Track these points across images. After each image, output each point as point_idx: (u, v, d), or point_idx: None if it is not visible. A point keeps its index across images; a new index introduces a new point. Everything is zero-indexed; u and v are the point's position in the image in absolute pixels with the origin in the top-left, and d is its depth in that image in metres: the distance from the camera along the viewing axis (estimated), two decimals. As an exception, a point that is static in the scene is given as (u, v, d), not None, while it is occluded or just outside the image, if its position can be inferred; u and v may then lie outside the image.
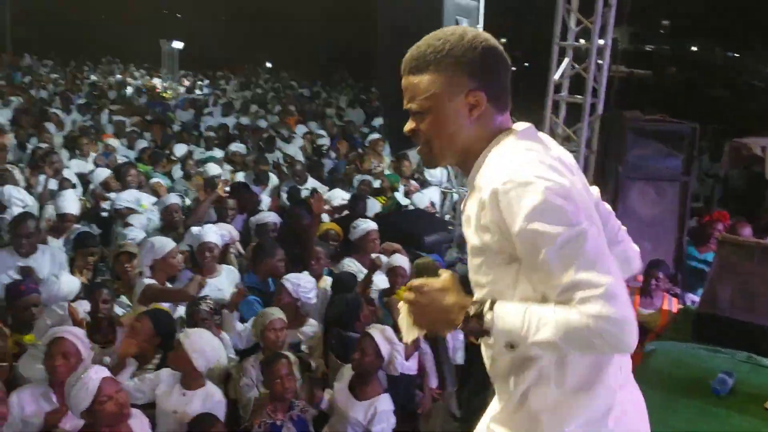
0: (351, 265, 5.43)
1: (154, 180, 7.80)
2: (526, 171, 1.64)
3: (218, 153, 10.13)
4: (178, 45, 21.12)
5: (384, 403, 3.98)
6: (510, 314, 1.64)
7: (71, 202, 6.20)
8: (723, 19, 41.10)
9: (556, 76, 6.15)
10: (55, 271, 4.97)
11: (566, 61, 6.13)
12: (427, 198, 8.09)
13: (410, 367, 4.74)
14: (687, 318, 4.17)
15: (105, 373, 3.28)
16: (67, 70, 21.99)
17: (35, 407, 3.49)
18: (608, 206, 2.04)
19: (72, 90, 17.47)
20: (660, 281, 5.36)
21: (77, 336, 3.64)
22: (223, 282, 5.23)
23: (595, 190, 2.00)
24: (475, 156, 1.79)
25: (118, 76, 21.75)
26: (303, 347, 4.60)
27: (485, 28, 6.38)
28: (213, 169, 8.41)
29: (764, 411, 4.01)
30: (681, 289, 5.95)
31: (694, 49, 53.63)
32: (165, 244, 4.99)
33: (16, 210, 6.24)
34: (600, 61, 5.98)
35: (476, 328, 1.68)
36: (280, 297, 4.61)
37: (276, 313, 4.24)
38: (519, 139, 1.77)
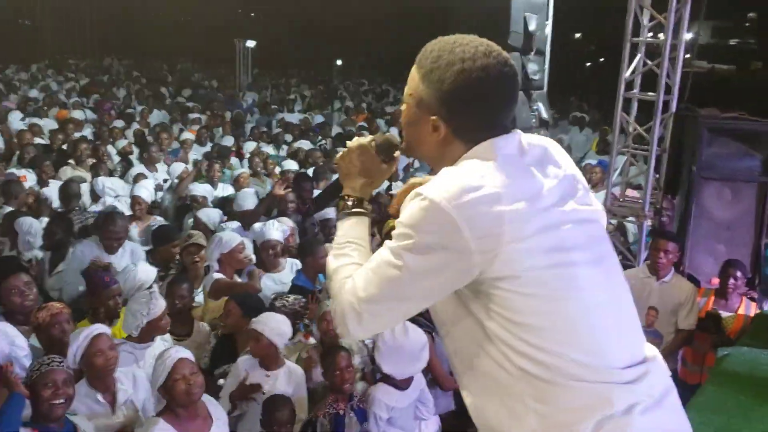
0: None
1: (239, 172, 8.03)
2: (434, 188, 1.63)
3: (284, 150, 10.33)
4: (251, 44, 21.52)
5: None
6: (345, 227, 1.84)
7: (144, 189, 6.47)
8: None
9: (627, 73, 5.99)
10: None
11: (638, 57, 5.97)
12: None
13: None
14: (763, 324, 4.01)
15: (184, 354, 3.42)
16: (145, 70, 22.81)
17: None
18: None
19: (149, 89, 18.09)
20: (738, 282, 5.17)
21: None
22: (287, 276, 5.36)
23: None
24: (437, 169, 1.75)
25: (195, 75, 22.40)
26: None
27: (555, 23, 6.30)
28: (289, 164, 8.62)
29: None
30: (759, 294, 5.73)
31: (781, 43, 51.38)
32: (232, 238, 5.13)
33: (109, 200, 6.62)
34: (673, 58, 5.80)
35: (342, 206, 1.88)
36: None
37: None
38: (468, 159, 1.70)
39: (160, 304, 4.03)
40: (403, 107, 1.82)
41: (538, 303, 1.63)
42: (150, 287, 4.46)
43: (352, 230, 1.83)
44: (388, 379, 3.93)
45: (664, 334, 5.31)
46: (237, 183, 7.79)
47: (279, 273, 5.36)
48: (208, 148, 10.23)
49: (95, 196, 6.92)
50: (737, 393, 4.00)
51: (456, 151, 1.73)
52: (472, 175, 1.62)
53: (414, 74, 1.78)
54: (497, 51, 1.74)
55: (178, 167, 8.07)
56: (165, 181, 8.10)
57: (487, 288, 1.63)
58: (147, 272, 4.80)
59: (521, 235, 1.58)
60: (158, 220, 6.51)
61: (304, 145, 10.52)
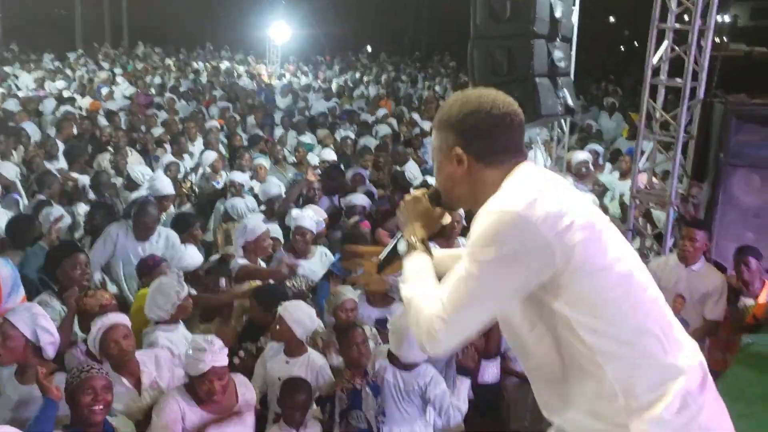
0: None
1: (257, 161, 8.16)
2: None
3: (309, 137, 10.43)
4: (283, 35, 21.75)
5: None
6: (411, 263, 2.04)
7: (167, 185, 6.60)
8: None
9: (654, 59, 5.94)
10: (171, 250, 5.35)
11: (665, 43, 5.91)
12: None
13: (494, 374, 4.75)
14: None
15: (220, 361, 3.48)
16: (180, 58, 23.01)
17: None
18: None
19: (182, 77, 18.31)
20: (753, 268, 5.11)
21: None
22: (317, 264, 5.47)
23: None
24: (479, 203, 1.91)
25: (226, 63, 22.56)
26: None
27: (588, 9, 6.26)
28: (327, 154, 8.72)
29: None
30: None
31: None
32: (257, 226, 5.25)
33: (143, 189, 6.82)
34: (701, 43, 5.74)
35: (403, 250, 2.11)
36: None
37: (348, 294, 4.42)
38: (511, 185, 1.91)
39: (186, 288, 4.19)
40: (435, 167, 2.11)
41: (613, 293, 1.84)
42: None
43: (417, 264, 2.03)
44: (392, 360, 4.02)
45: (691, 322, 5.27)
46: (256, 174, 7.91)
47: (309, 260, 5.47)
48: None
49: (132, 185, 7.08)
50: (759, 381, 4.00)
51: (488, 177, 1.95)
52: (530, 189, 1.84)
53: (434, 133, 2.07)
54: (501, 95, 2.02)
55: (210, 155, 8.21)
56: (193, 168, 8.29)
57: (567, 281, 1.81)
58: (193, 256, 5.01)
59: (589, 233, 1.81)
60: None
61: (338, 134, 10.61)
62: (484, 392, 4.70)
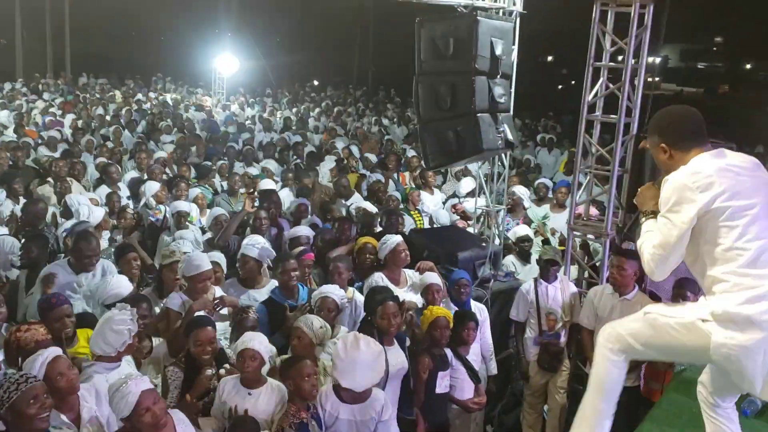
0: (379, 280, 5.55)
1: (197, 191, 8.12)
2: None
3: (254, 169, 10.48)
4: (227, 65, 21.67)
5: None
6: (646, 225, 3.14)
7: (98, 215, 6.57)
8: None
9: (590, 96, 6.19)
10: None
11: (601, 81, 6.16)
12: (445, 214, 8.29)
13: (446, 385, 4.86)
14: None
15: (146, 385, 3.44)
16: (123, 89, 22.73)
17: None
18: None
19: (127, 107, 18.09)
20: (690, 299, 5.33)
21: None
22: (264, 294, 5.43)
23: None
24: None
25: (170, 96, 22.39)
26: None
27: (527, 47, 6.49)
28: (265, 183, 8.73)
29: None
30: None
31: (748, 66, 52.60)
32: (199, 263, 5.10)
33: (83, 216, 6.65)
34: (635, 81, 6.01)
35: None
36: (327, 306, 4.79)
37: (302, 322, 4.45)
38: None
39: (136, 327, 4.10)
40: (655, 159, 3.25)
41: (725, 236, 2.90)
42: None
43: (647, 227, 3.12)
44: (336, 388, 4.04)
45: (626, 349, 5.47)
46: (196, 203, 7.87)
47: (258, 290, 5.45)
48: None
49: (68, 213, 6.94)
50: (691, 406, 4.14)
51: (679, 162, 3.07)
52: (694, 165, 2.99)
53: (650, 137, 3.24)
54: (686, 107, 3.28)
55: (153, 186, 8.14)
56: (128, 197, 8.20)
57: (704, 225, 2.92)
58: (122, 284, 4.87)
59: (727, 193, 2.90)
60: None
61: (271, 165, 10.68)
62: (436, 405, 4.80)
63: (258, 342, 4.03)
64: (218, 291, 5.24)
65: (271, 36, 31.84)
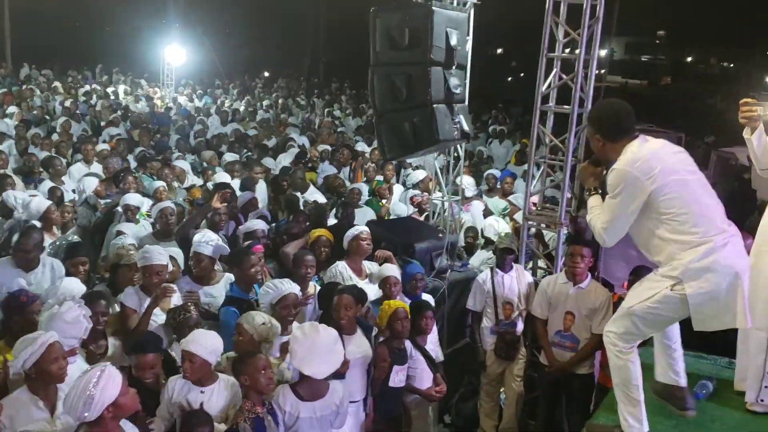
0: (342, 270, 5.53)
1: (157, 185, 7.96)
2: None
3: (185, 162, 10.33)
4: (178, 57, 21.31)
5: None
6: (591, 200, 3.78)
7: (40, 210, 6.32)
8: (718, 30, 41.45)
9: (544, 87, 6.25)
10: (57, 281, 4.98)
11: (554, 72, 6.23)
12: (403, 206, 8.32)
13: (400, 380, 4.87)
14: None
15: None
16: (68, 81, 22.10)
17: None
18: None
19: (71, 99, 17.60)
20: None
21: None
22: (220, 290, 5.35)
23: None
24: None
25: (122, 87, 21.87)
26: None
27: (478, 40, 6.51)
28: (222, 176, 8.60)
29: (743, 414, 4.12)
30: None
31: (689, 59, 54.05)
32: (151, 256, 5.01)
33: (18, 214, 6.41)
34: (587, 72, 6.08)
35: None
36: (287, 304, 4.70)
37: (258, 318, 4.36)
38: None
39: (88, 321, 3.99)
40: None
41: (671, 208, 3.45)
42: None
43: (594, 201, 3.75)
44: (294, 387, 4.00)
45: (581, 338, 5.56)
46: (155, 196, 7.71)
47: (212, 286, 5.35)
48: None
49: (6, 211, 6.68)
50: (645, 390, 4.23)
51: (611, 151, 3.60)
52: (632, 154, 3.48)
53: (588, 128, 3.99)
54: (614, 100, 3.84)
55: (92, 180, 7.94)
56: (73, 191, 7.98)
57: (651, 201, 3.44)
58: (73, 286, 4.68)
59: (664, 177, 3.42)
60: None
61: (228, 156, 10.56)
62: (389, 398, 4.80)
63: (196, 344, 3.87)
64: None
65: (220, 27, 31.33)
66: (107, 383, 3.13)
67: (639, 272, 5.54)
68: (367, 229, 5.83)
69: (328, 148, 11.76)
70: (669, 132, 6.50)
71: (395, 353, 4.87)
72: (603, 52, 6.11)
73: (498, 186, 9.47)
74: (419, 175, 9.13)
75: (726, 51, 49.69)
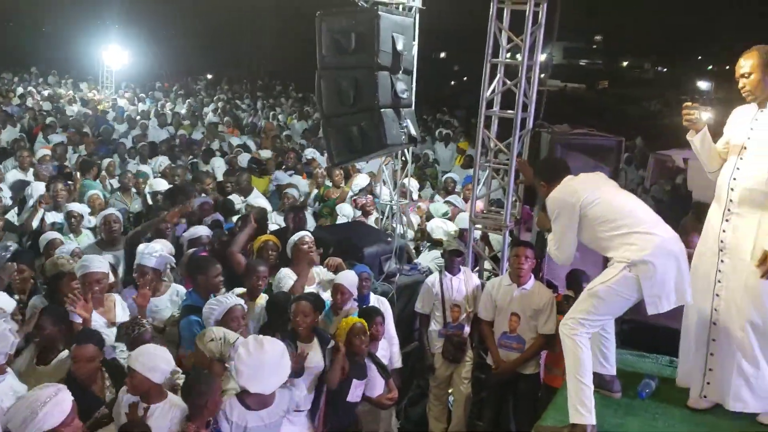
0: (285, 278, 5.48)
1: (91, 192, 7.74)
2: None
3: (147, 166, 10.17)
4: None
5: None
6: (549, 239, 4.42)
7: None
8: (652, 36, 42.77)
9: (488, 93, 6.33)
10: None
11: (498, 77, 6.32)
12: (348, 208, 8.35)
13: (357, 395, 4.85)
14: (614, 324, 4.40)
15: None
16: (3, 82, 21.39)
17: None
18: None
19: (4, 102, 17.05)
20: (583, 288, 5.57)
21: None
22: (165, 302, 5.25)
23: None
24: None
25: (60, 90, 21.26)
26: None
27: (420, 45, 6.56)
28: (159, 184, 8.43)
29: (685, 412, 4.24)
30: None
31: (625, 63, 55.59)
32: (87, 265, 4.91)
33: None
34: (530, 77, 6.19)
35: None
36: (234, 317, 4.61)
37: (215, 331, 4.27)
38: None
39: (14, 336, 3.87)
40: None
41: (601, 213, 4.03)
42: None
43: (549, 237, 4.39)
44: (241, 396, 3.92)
45: (527, 339, 5.65)
46: (90, 204, 7.51)
47: (158, 297, 5.24)
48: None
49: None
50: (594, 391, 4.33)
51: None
52: (559, 186, 4.23)
53: (535, 179, 4.57)
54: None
55: (40, 186, 7.70)
56: (11, 198, 7.72)
57: (583, 213, 4.06)
58: (4, 302, 4.55)
59: (585, 192, 4.09)
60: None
61: (165, 162, 10.39)
62: (344, 412, 4.83)
63: (135, 361, 3.75)
64: (118, 300, 5.02)
65: (162, 28, 30.76)
66: (54, 408, 3.03)
67: (577, 276, 5.72)
68: (308, 234, 5.79)
69: (269, 154, 11.70)
70: (609, 136, 6.65)
71: (355, 367, 4.83)
72: (543, 57, 6.21)
73: (457, 189, 9.54)
74: (362, 181, 9.13)
75: (659, 56, 51.28)
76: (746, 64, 3.94)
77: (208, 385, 3.76)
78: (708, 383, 4.19)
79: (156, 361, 3.77)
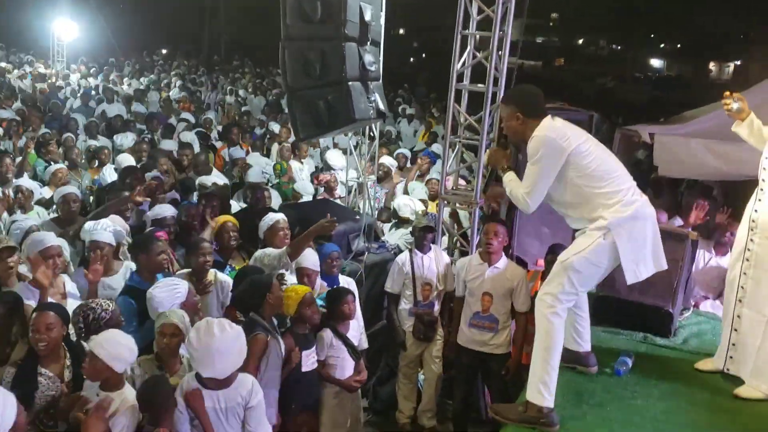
0: (269, 253, 5.23)
1: (54, 167, 7.43)
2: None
3: (106, 142, 9.83)
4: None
5: None
6: (507, 176, 4.07)
7: None
8: (607, 14, 43.18)
9: (458, 66, 6.17)
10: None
11: (468, 50, 6.16)
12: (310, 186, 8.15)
13: (312, 363, 4.72)
14: (588, 301, 4.33)
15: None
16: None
17: None
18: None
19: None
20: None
21: None
22: (119, 281, 4.99)
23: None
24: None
25: (6, 64, 20.42)
26: None
27: (388, 16, 6.34)
28: (125, 159, 8.13)
29: (663, 389, 4.21)
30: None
31: (581, 41, 56.06)
32: (43, 239, 4.68)
33: None
34: (500, 51, 6.04)
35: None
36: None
37: (173, 317, 4.06)
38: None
39: None
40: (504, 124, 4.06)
41: (592, 165, 3.80)
42: None
43: (509, 176, 4.05)
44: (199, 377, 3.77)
45: (500, 318, 5.55)
46: (54, 179, 7.21)
47: (111, 277, 4.98)
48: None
49: None
50: (570, 371, 4.28)
51: (528, 128, 3.89)
52: (547, 125, 3.85)
53: (506, 107, 4.05)
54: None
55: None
56: None
57: (570, 160, 3.78)
58: None
59: (577, 139, 3.81)
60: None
61: (128, 138, 10.04)
62: (304, 385, 4.68)
63: (105, 351, 3.51)
64: (67, 281, 4.76)
65: (115, 1, 29.81)
66: None
67: (555, 250, 5.62)
68: (283, 216, 5.59)
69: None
70: (580, 110, 6.57)
71: (301, 339, 4.67)
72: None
73: (408, 165, 9.42)
74: (336, 159, 8.92)
75: (614, 34, 51.78)
76: None
77: (166, 387, 3.59)
78: (731, 357, 4.28)
79: (120, 349, 3.58)
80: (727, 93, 4.22)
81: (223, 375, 3.70)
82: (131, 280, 4.80)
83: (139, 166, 8.02)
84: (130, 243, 5.46)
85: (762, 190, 4.13)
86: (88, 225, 5.14)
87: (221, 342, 3.64)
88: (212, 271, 5.05)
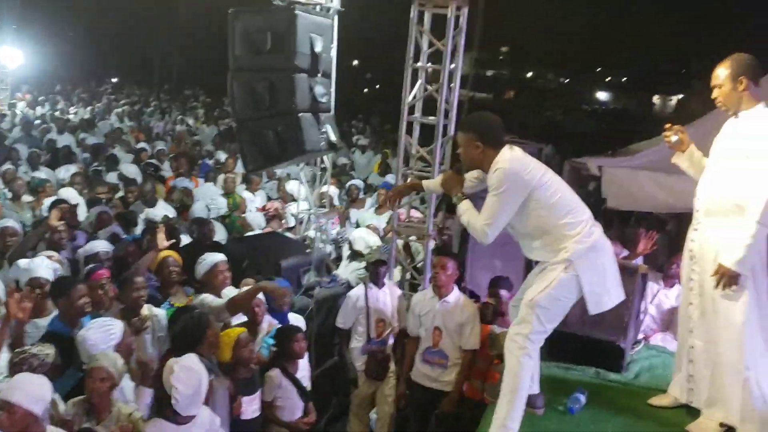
0: (209, 303, 4.93)
1: None
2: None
3: (49, 173, 9.52)
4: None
5: None
6: (462, 205, 3.94)
7: None
8: (555, 48, 44.28)
9: (410, 98, 6.16)
10: None
11: (419, 82, 6.15)
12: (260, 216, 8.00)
13: (254, 410, 4.54)
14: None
15: None
16: None
17: None
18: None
19: None
20: (504, 298, 5.46)
21: None
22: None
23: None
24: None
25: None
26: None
27: (340, 45, 6.30)
28: (66, 192, 7.86)
29: (616, 423, 4.16)
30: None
31: (530, 74, 57.28)
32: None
33: None
34: (452, 84, 6.05)
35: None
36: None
37: (103, 361, 3.82)
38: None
39: None
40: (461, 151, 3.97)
41: (554, 197, 3.78)
42: None
43: (464, 206, 3.92)
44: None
45: (449, 353, 5.41)
46: None
47: (45, 318, 4.61)
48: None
49: None
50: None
51: (487, 157, 3.82)
52: (509, 156, 3.77)
53: (464, 134, 3.94)
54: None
55: None
56: None
57: (533, 193, 3.74)
58: None
59: (538, 171, 3.79)
60: None
61: (70, 171, 9.74)
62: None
63: (19, 391, 3.25)
64: None
65: (62, 28, 29.30)
66: None
67: (497, 284, 5.59)
68: (223, 258, 5.25)
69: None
70: (531, 143, 6.60)
71: (241, 384, 4.47)
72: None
73: (361, 196, 9.33)
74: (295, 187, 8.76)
75: (561, 67, 53.07)
76: (719, 74, 3.88)
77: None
78: (691, 389, 4.21)
79: (41, 390, 3.32)
80: (668, 125, 4.24)
81: (188, 412, 3.67)
82: (52, 325, 4.44)
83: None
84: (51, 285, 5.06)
85: (697, 219, 4.12)
86: (23, 263, 4.86)
87: (201, 377, 3.69)
88: (146, 306, 4.77)
